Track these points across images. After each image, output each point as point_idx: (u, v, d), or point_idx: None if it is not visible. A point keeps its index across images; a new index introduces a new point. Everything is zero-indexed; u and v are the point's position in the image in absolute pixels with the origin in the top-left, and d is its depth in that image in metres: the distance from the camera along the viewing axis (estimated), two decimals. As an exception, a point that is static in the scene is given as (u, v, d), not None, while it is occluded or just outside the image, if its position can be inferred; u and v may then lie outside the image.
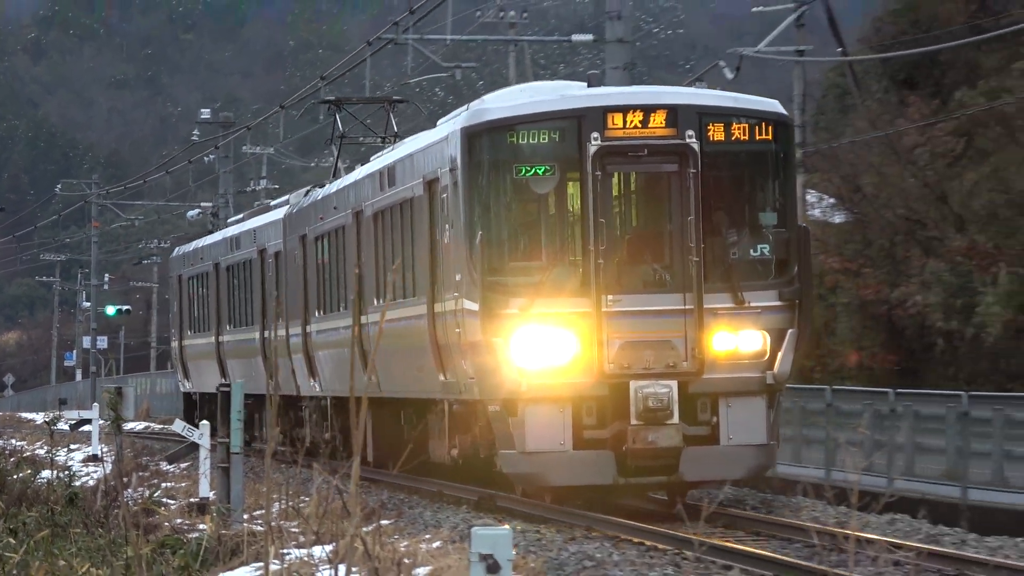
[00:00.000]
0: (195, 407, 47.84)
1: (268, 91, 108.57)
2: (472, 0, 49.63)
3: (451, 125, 31.67)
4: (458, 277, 29.67)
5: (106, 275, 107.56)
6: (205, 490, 34.82)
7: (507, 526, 21.33)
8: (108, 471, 37.95)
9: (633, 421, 28.44)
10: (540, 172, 29.84)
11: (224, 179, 49.98)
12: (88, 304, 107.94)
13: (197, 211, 78.90)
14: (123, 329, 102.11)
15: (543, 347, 29.05)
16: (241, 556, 25.85)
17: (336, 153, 48.55)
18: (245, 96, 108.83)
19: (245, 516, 30.40)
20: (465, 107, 33.12)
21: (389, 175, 36.43)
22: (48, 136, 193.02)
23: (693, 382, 29.13)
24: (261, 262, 43.69)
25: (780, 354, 29.52)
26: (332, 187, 43.80)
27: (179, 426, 44.15)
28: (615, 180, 30.67)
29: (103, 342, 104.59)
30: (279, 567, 21.28)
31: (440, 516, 34.86)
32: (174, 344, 53.15)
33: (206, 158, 65.91)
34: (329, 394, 43.12)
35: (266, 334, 43.18)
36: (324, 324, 42.35)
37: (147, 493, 36.85)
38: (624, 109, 29.89)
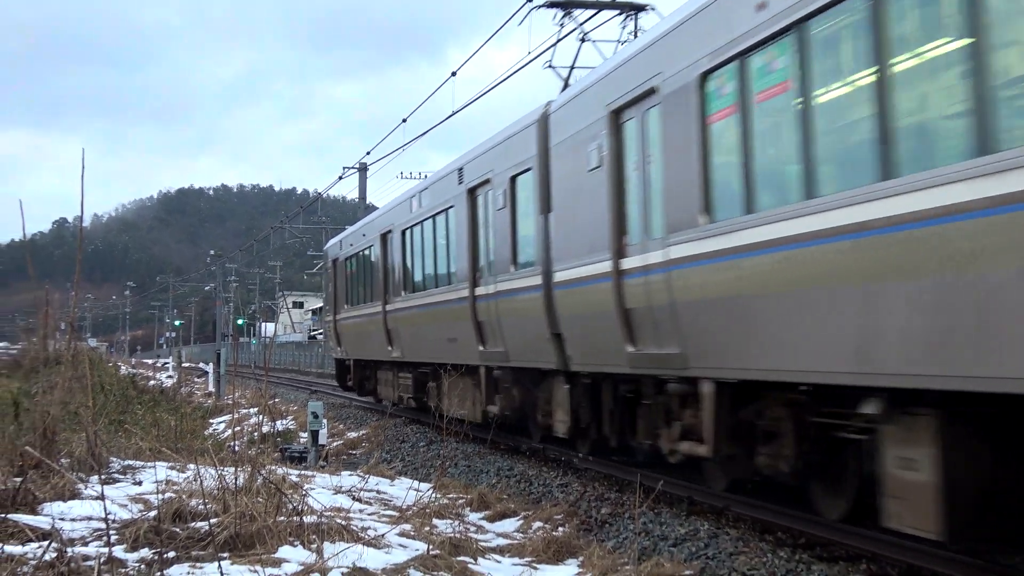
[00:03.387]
0: (347, 371, 29.66)
1: (236, 245, 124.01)
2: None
3: None
4: None
5: (175, 310, 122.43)
6: (211, 387, 36.27)
7: (321, 401, 19.34)
8: (175, 380, 37.57)
9: None
10: None
11: (214, 277, 52.82)
12: (168, 320, 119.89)
13: (208, 286, 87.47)
14: (180, 329, 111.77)
15: None
16: (222, 413, 26.74)
17: (576, 54, 18.62)
18: (228, 247, 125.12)
19: (227, 398, 31.02)
20: None
21: None
22: (153, 260, 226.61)
23: None
24: (471, 204, 16.38)
25: None
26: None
27: (202, 366, 47.82)
28: None
29: (173, 334, 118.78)
30: (236, 416, 21.84)
31: (297, 395, 34.70)
32: (328, 320, 32.18)
33: (211, 269, 71.73)
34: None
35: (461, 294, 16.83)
36: (574, 271, 11.82)
37: (189, 389, 36.26)
38: None
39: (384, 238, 22.40)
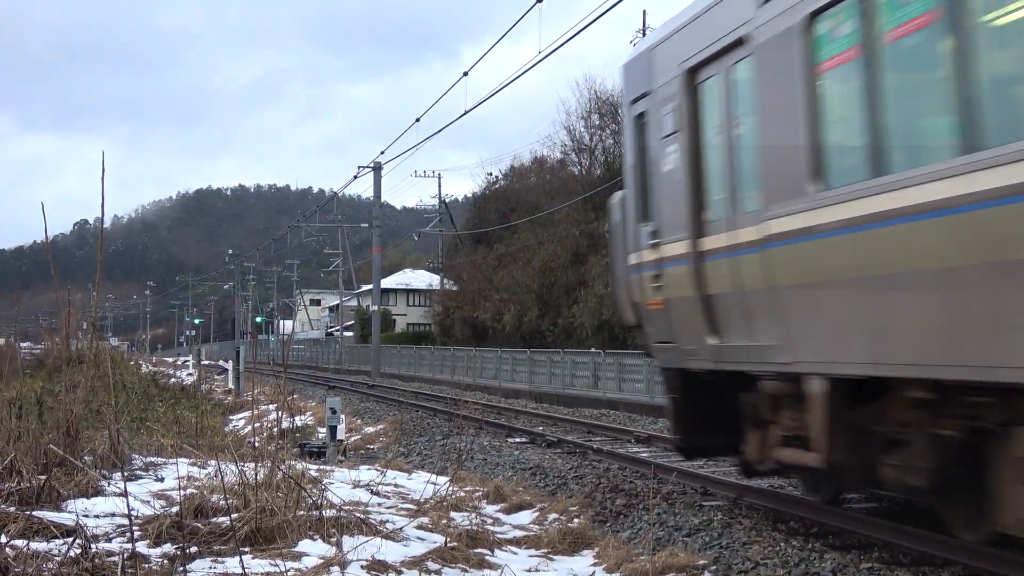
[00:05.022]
0: (754, 408, 7.77)
1: (253, 244, 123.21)
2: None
3: None
4: None
5: (195, 308, 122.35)
6: (231, 384, 35.34)
7: (339, 396, 19.04)
8: (195, 378, 37.04)
9: None
10: None
11: (232, 276, 53.02)
12: (187, 319, 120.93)
13: (227, 285, 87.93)
14: (199, 327, 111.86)
15: None
16: (242, 410, 26.64)
17: None
18: (246, 246, 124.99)
19: (246, 395, 30.48)
20: None
21: None
22: (173, 260, 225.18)
23: None
24: None
25: None
26: None
27: (222, 363, 45.55)
28: None
29: (193, 332, 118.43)
30: (256, 412, 20.78)
31: (315, 391, 34.17)
32: (639, 262, 8.46)
33: (229, 268, 72.01)
34: None
35: None
36: None
37: (209, 386, 35.49)
38: None
39: None
